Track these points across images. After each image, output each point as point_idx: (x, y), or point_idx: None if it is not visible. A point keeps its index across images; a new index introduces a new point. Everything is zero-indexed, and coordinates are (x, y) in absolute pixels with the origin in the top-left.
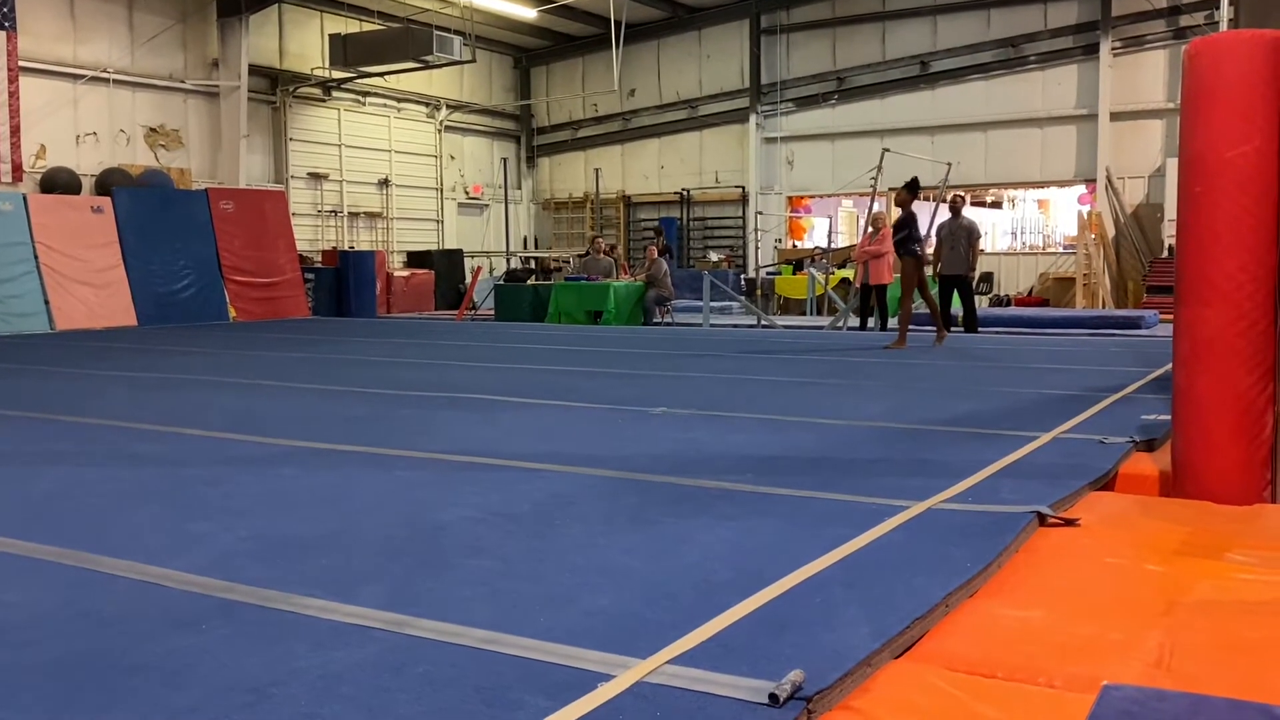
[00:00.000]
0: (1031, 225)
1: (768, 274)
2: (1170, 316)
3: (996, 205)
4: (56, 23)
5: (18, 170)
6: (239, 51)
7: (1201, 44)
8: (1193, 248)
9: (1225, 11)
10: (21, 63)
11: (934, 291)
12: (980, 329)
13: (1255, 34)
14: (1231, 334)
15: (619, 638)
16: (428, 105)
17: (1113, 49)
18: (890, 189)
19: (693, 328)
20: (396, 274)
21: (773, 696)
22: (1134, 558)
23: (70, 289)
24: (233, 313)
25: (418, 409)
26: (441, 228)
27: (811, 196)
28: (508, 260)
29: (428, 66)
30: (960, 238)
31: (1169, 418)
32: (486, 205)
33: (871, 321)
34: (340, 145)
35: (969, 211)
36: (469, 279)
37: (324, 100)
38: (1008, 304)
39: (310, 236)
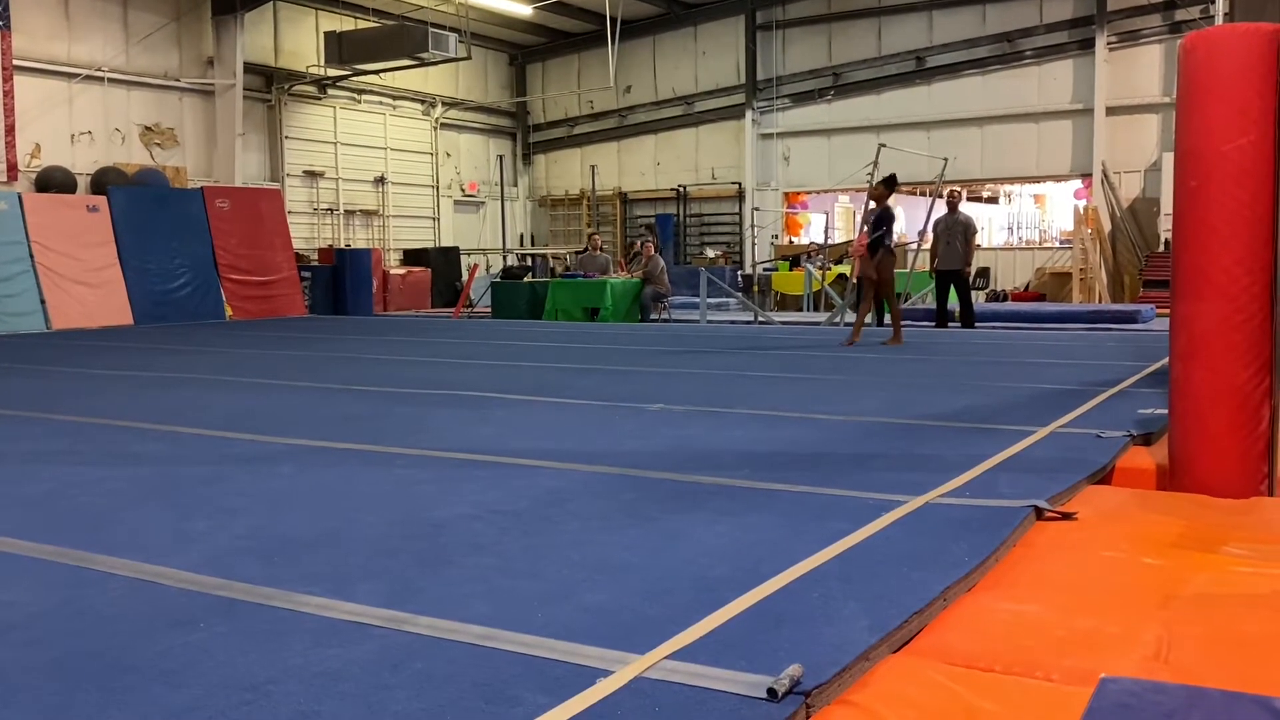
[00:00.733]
0: (1028, 220)
1: (765, 270)
2: (1167, 311)
3: (993, 200)
4: (51, 21)
5: (13, 169)
6: (234, 49)
7: (1197, 38)
8: (1189, 242)
9: (1220, 5)
10: (16, 61)
11: (929, 287)
12: (977, 324)
13: (1251, 28)
14: (1228, 328)
15: (617, 633)
16: (423, 103)
17: (1108, 43)
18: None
19: (690, 324)
20: (393, 272)
21: (771, 691)
22: (1131, 551)
23: (66, 288)
24: (229, 311)
25: (415, 406)
26: (438, 225)
27: (808, 192)
28: (504, 257)
29: (423, 64)
30: (957, 233)
31: (1166, 412)
32: (483, 203)
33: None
34: (336, 143)
35: (965, 207)
36: (465, 276)
37: (319, 98)
38: (1004, 299)
39: (306, 235)
